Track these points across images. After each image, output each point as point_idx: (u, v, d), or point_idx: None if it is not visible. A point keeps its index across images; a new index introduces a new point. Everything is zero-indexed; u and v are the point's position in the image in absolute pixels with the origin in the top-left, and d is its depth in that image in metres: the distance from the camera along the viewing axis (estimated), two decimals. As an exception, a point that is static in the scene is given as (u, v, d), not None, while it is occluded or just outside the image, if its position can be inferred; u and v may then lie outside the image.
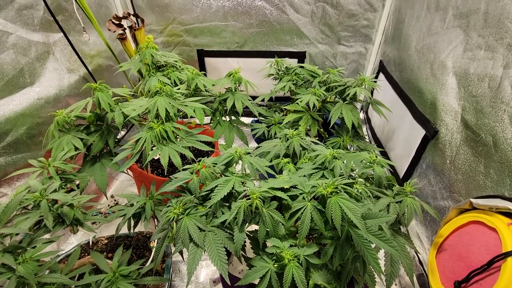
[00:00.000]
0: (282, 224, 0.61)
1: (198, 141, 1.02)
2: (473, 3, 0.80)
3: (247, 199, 0.59)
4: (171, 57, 1.25)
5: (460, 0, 0.85)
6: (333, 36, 1.54)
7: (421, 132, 0.97)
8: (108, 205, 1.43)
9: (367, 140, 1.41)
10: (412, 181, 0.73)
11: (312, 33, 1.54)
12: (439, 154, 0.87)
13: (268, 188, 0.63)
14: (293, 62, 1.63)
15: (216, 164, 0.74)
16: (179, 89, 1.09)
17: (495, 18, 0.71)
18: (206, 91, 1.17)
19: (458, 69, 0.83)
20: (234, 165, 0.73)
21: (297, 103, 1.15)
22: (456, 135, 0.81)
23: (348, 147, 1.14)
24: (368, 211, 0.59)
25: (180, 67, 1.30)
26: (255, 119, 1.41)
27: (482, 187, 0.70)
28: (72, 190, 0.91)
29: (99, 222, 1.14)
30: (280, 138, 0.95)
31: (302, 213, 0.58)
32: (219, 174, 0.73)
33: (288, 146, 0.88)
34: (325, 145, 1.23)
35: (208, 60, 1.67)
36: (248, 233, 0.64)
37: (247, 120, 1.74)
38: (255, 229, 0.63)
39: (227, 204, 0.68)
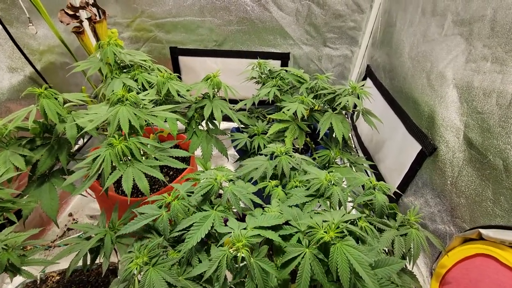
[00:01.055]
0: (275, 276, 0.49)
1: (171, 157, 0.88)
2: (477, 9, 0.73)
3: (230, 248, 0.47)
4: (139, 56, 1.09)
5: (461, 5, 0.78)
6: (319, 37, 1.44)
7: (417, 147, 0.90)
8: (65, 226, 1.24)
9: (354, 150, 1.34)
10: (416, 209, 0.65)
11: (296, 33, 1.43)
12: (438, 173, 0.80)
13: (256, 228, 0.52)
14: (276, 64, 1.52)
15: (190, 194, 0.61)
16: (146, 95, 0.94)
17: (505, 27, 0.64)
18: (180, 96, 1.02)
19: (460, 82, 0.76)
20: (213, 196, 0.60)
21: (283, 112, 1.04)
22: (458, 154, 0.74)
23: (338, 160, 1.06)
24: (377, 257, 0.49)
25: (150, 67, 1.13)
26: (236, 126, 1.28)
27: (491, 215, 0.64)
28: (10, 221, 0.73)
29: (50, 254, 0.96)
30: (265, 155, 0.83)
31: (299, 262, 0.47)
32: (195, 207, 0.60)
33: (276, 166, 0.76)
34: (312, 158, 1.14)
35: (182, 59, 1.51)
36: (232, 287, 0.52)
37: (225, 125, 1.61)
38: (241, 281, 0.51)
39: (206, 247, 0.55)
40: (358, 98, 1.01)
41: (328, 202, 0.64)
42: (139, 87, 1.04)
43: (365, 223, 0.56)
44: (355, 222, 0.56)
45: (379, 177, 1.13)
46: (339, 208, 0.62)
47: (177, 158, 1.07)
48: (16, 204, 0.75)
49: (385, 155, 1.13)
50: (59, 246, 0.96)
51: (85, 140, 1.41)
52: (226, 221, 0.57)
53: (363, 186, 0.71)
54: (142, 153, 0.82)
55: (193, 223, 0.54)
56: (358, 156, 1.11)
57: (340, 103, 0.99)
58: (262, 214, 0.58)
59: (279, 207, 0.61)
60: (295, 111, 1.00)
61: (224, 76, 1.45)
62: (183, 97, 1.05)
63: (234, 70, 1.50)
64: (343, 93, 1.01)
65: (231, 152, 1.39)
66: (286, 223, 0.56)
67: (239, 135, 1.12)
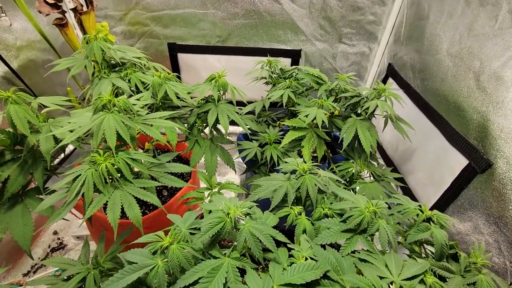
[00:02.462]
0: None
1: (168, 173, 0.73)
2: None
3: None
4: (131, 53, 0.93)
5: (523, -9, 0.64)
6: (334, 33, 1.30)
7: (461, 161, 0.76)
8: (49, 247, 1.09)
9: (378, 161, 1.19)
10: (481, 248, 0.51)
11: (309, 28, 1.28)
12: (495, 194, 0.66)
13: (287, 286, 0.37)
14: (286, 62, 1.37)
15: (194, 231, 0.46)
16: (139, 99, 0.79)
17: None
18: (180, 99, 0.87)
19: (525, 84, 0.61)
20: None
21: (300, 118, 0.89)
22: (526, 174, 0.59)
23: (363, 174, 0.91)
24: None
25: (145, 66, 0.98)
26: (242, 132, 1.13)
27: None
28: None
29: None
30: (284, 173, 0.68)
31: None
32: (200, 252, 0.45)
33: (298, 188, 0.61)
34: (331, 170, 0.99)
35: (182, 57, 1.35)
36: None
37: (230, 129, 1.46)
38: None
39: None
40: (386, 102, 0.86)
41: (370, 239, 0.50)
42: (132, 88, 0.89)
43: (432, 278, 0.42)
44: (422, 279, 0.42)
45: (408, 191, 0.99)
46: (389, 249, 0.48)
47: (176, 174, 0.93)
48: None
49: (415, 167, 0.99)
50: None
51: (72, 149, 1.26)
52: (241, 272, 0.42)
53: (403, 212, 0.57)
54: (133, 170, 0.68)
55: (200, 278, 0.39)
56: (384, 167, 0.97)
57: (367, 108, 0.85)
58: (290, 261, 0.43)
59: (311, 249, 0.46)
60: (314, 118, 0.85)
61: (228, 76, 1.31)
62: (183, 101, 0.90)
63: (239, 69, 1.35)
64: (369, 96, 0.87)
65: (235, 160, 1.24)
66: (324, 275, 0.42)
67: (248, 144, 0.97)
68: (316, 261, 0.43)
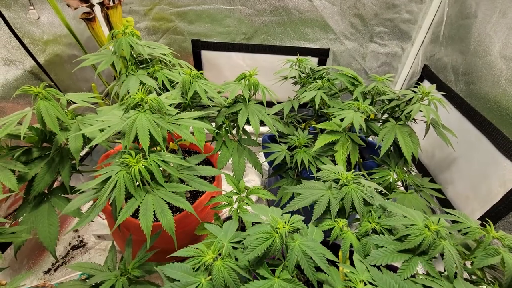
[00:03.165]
0: None
1: (198, 176, 0.70)
2: None
3: None
4: (159, 49, 0.90)
5: None
6: (365, 31, 1.23)
7: (516, 174, 0.69)
8: (69, 245, 1.08)
9: (415, 169, 1.13)
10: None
11: (339, 25, 1.22)
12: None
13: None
14: (312, 61, 1.31)
15: (237, 245, 0.42)
16: (171, 96, 0.75)
17: None
18: (209, 99, 0.83)
19: None
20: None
21: (334, 122, 0.84)
22: None
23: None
24: None
25: (170, 62, 0.95)
26: (268, 134, 1.09)
27: None
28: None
29: None
30: (324, 181, 0.63)
31: None
32: (246, 270, 0.41)
33: (343, 198, 0.57)
34: (368, 180, 0.94)
35: (205, 54, 1.32)
36: None
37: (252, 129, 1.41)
38: None
39: None
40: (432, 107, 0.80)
41: (431, 265, 0.45)
42: (159, 86, 0.86)
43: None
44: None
45: (447, 203, 0.92)
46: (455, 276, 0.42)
47: (204, 177, 0.90)
48: (2, 237, 0.57)
49: (455, 177, 0.92)
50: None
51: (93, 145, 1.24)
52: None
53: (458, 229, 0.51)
54: (165, 174, 0.64)
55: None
56: (421, 177, 0.91)
57: (409, 113, 0.79)
58: (345, 285, 0.39)
59: (368, 271, 0.41)
60: (352, 122, 0.79)
61: (257, 73, 1.27)
62: (211, 100, 0.86)
63: (264, 67, 1.30)
64: (412, 100, 0.80)
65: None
66: (386, 304, 0.37)
67: (276, 147, 0.93)
68: (375, 286, 0.39)
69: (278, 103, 1.01)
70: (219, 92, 0.82)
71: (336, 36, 1.24)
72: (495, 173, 0.77)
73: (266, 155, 0.97)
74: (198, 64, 1.34)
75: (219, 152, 0.87)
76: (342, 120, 0.81)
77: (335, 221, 0.55)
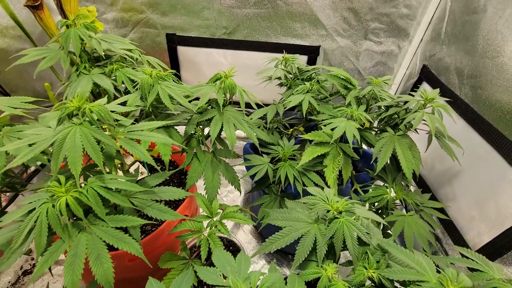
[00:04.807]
0: None
1: (157, 201, 0.57)
2: None
3: None
4: (119, 44, 0.76)
5: None
6: (359, 27, 1.12)
7: (535, 197, 0.59)
8: (21, 269, 0.93)
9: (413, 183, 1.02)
10: None
11: (331, 20, 1.10)
12: None
13: None
14: (301, 60, 1.19)
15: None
16: (124, 103, 0.62)
17: None
18: (176, 103, 0.70)
19: None
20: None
21: (324, 132, 0.72)
22: None
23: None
24: None
25: (136, 60, 0.82)
26: (251, 141, 0.96)
27: None
28: None
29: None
30: (308, 209, 0.52)
31: None
32: None
33: (333, 236, 0.45)
34: (354, 191, 0.83)
35: (182, 50, 1.18)
36: None
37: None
38: None
39: None
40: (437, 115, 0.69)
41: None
42: (119, 89, 0.73)
43: None
44: None
45: (448, 224, 0.82)
46: None
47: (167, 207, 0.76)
48: None
49: (458, 193, 0.82)
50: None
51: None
52: None
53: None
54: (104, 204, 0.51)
55: None
56: (420, 192, 0.80)
57: (410, 122, 0.68)
58: None
59: None
60: (344, 132, 0.68)
61: (235, 74, 1.14)
62: (182, 105, 0.73)
63: (248, 66, 1.18)
64: (414, 107, 0.69)
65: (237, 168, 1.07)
66: None
67: (257, 159, 0.80)
68: None
69: (264, 105, 0.88)
70: (187, 97, 0.69)
71: (328, 32, 1.12)
72: (506, 192, 0.67)
73: (248, 167, 0.84)
74: (174, 62, 1.20)
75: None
76: (333, 129, 0.69)
77: (322, 268, 0.43)
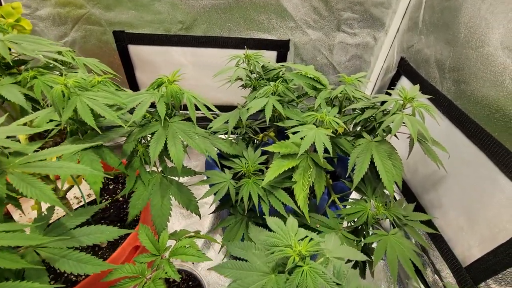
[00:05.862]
0: None
1: (76, 249, 0.44)
2: None
3: None
4: (37, 45, 0.62)
5: None
6: (331, 18, 1.01)
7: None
8: None
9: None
10: None
11: (300, 11, 0.99)
12: None
13: None
14: (270, 56, 1.08)
15: None
16: (34, 121, 0.48)
17: None
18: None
19: None
20: None
21: (293, 142, 0.61)
22: None
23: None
24: None
25: (68, 64, 0.68)
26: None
27: None
28: None
29: None
30: (267, 250, 0.40)
31: None
32: None
33: (292, 294, 0.34)
34: (331, 205, 0.73)
35: (134, 50, 1.03)
36: None
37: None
38: None
39: None
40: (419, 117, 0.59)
41: None
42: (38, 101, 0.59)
43: None
44: None
45: (436, 236, 0.73)
46: None
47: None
48: None
49: (444, 201, 0.74)
50: None
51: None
52: None
53: None
54: None
55: None
56: (405, 201, 0.71)
57: (388, 126, 0.58)
58: None
59: None
60: (314, 142, 0.57)
61: (196, 74, 1.01)
62: (121, 118, 0.60)
63: (210, 65, 1.05)
64: (392, 109, 0.59)
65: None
66: None
67: (218, 176, 0.69)
68: None
69: (229, 107, 0.76)
70: (119, 109, 0.55)
71: (297, 24, 1.01)
72: (497, 201, 0.59)
73: (211, 187, 0.73)
74: (127, 63, 1.06)
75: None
76: (302, 139, 0.59)
77: None
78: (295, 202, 0.60)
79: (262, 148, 0.66)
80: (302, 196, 0.58)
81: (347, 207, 0.64)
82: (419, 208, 0.80)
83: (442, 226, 0.73)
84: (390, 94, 0.65)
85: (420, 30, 0.87)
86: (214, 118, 0.78)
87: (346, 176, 0.68)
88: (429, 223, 0.73)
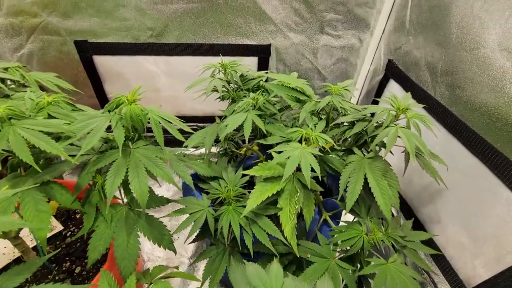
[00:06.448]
0: None
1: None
2: None
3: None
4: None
5: None
6: (313, 20, 0.95)
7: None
8: None
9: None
10: None
11: (279, 13, 0.92)
12: None
13: None
14: (251, 63, 1.00)
15: None
16: None
17: None
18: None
19: None
20: None
21: (278, 163, 0.54)
22: None
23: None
24: None
25: (17, 83, 0.59)
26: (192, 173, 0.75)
27: None
28: None
29: None
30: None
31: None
32: None
33: None
34: (322, 225, 0.66)
35: (100, 60, 0.94)
36: None
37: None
38: None
39: None
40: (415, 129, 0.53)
41: None
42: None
43: None
44: None
45: (437, 255, 0.68)
46: None
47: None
48: None
49: (443, 215, 0.68)
50: None
51: None
52: None
53: None
54: None
55: None
56: (402, 217, 0.65)
57: (382, 141, 0.52)
58: None
59: None
60: (299, 164, 0.50)
61: (172, 84, 0.93)
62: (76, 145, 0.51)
63: (186, 74, 0.97)
64: (385, 121, 0.53)
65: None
66: None
67: (194, 204, 0.61)
68: None
69: (209, 118, 0.68)
70: (67, 138, 0.47)
71: (277, 27, 0.94)
72: (503, 219, 0.53)
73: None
74: (93, 75, 0.96)
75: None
76: (287, 158, 0.51)
77: None
78: (282, 233, 0.53)
79: (242, 172, 0.58)
80: (290, 227, 0.51)
81: (341, 232, 0.57)
82: (417, 223, 0.75)
83: (442, 243, 0.67)
84: (377, 102, 0.59)
85: (407, 30, 0.82)
86: (196, 129, 0.70)
87: (338, 196, 0.61)
88: (429, 242, 0.67)
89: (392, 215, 0.59)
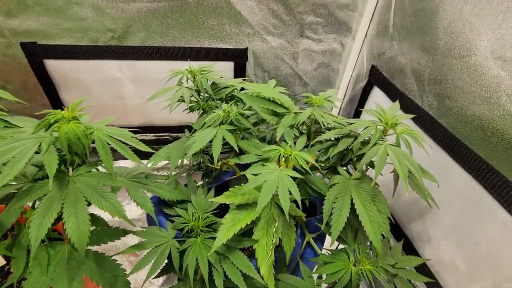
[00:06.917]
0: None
1: None
2: None
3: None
4: None
5: None
6: (293, 23, 0.88)
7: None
8: None
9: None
10: None
11: (256, 15, 0.85)
12: None
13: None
14: (226, 69, 0.92)
15: None
16: None
17: None
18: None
19: None
20: None
21: (254, 188, 0.46)
22: None
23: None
24: None
25: None
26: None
27: None
28: None
29: None
30: None
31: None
32: None
33: None
34: (305, 249, 0.60)
35: (54, 65, 0.82)
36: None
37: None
38: None
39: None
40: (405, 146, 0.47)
41: None
42: None
43: None
44: None
45: (430, 285, 0.62)
46: None
47: None
48: None
49: (434, 234, 0.63)
50: None
51: None
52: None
53: None
54: None
55: None
56: (393, 238, 0.60)
57: (370, 160, 0.45)
58: None
59: None
60: (277, 189, 0.43)
61: (140, 91, 0.84)
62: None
63: (156, 80, 0.87)
64: (373, 138, 0.47)
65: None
66: None
67: (157, 237, 0.52)
68: None
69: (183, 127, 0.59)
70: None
71: (254, 30, 0.87)
72: (501, 243, 0.48)
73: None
74: (46, 82, 0.84)
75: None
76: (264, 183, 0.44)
77: None
78: (258, 270, 0.45)
79: (209, 199, 0.50)
80: (267, 265, 0.43)
81: (325, 264, 0.50)
82: (405, 242, 0.69)
83: (435, 266, 0.62)
84: (360, 112, 0.53)
85: (391, 35, 0.77)
86: (168, 140, 0.61)
87: (323, 225, 0.54)
88: (421, 271, 0.62)
89: (382, 235, 0.53)
